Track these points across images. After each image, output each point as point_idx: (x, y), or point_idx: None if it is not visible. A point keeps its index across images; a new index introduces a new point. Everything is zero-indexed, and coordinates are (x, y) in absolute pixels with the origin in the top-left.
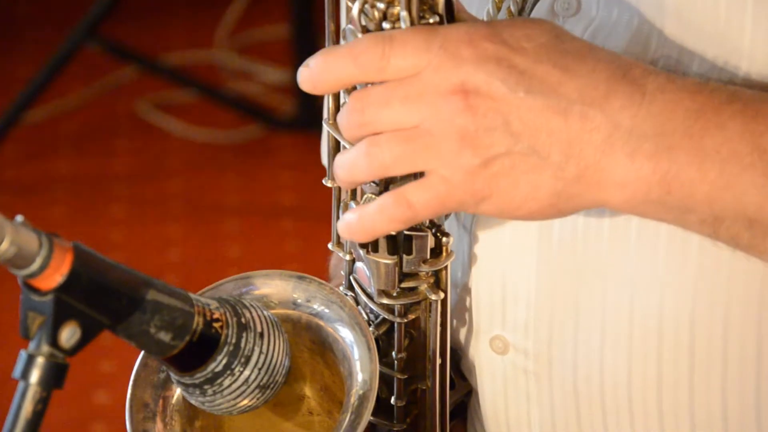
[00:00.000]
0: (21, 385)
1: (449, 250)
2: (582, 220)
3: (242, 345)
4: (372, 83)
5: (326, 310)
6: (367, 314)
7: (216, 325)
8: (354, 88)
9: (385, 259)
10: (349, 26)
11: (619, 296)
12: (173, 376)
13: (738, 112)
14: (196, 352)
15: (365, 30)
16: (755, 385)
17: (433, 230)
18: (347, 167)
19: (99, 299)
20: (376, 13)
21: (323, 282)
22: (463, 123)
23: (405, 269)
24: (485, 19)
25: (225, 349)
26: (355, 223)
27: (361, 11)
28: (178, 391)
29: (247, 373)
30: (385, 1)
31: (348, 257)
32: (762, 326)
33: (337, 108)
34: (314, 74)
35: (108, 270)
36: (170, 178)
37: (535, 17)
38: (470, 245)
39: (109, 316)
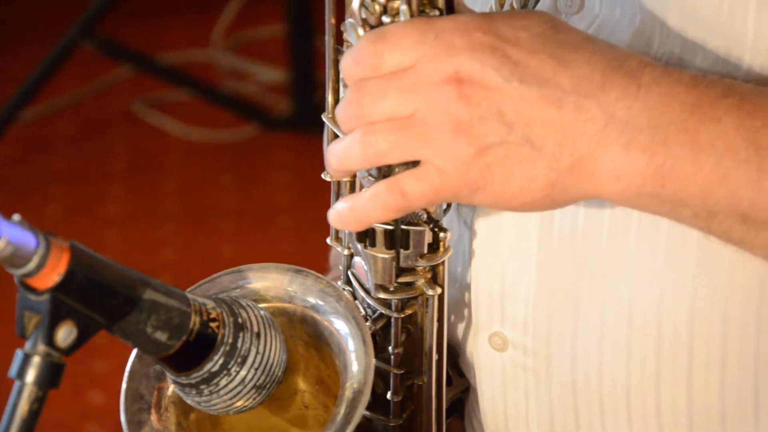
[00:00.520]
0: (17, 384)
1: (447, 246)
2: (582, 216)
3: (239, 345)
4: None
5: (322, 304)
6: (364, 309)
7: (213, 324)
8: None
9: (383, 254)
10: (350, 20)
11: (619, 293)
12: (169, 376)
13: (734, 107)
14: (192, 351)
15: (365, 23)
16: (753, 382)
17: (431, 225)
18: (340, 155)
19: (95, 299)
20: (377, 7)
21: (320, 275)
22: (457, 112)
23: (402, 264)
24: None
25: (222, 349)
26: (346, 211)
27: (362, 5)
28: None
29: (243, 373)
30: None
31: (346, 252)
32: (761, 324)
33: (337, 102)
34: (342, 74)
35: (105, 269)
36: (166, 178)
37: (531, 10)
38: (470, 241)
39: (105, 316)
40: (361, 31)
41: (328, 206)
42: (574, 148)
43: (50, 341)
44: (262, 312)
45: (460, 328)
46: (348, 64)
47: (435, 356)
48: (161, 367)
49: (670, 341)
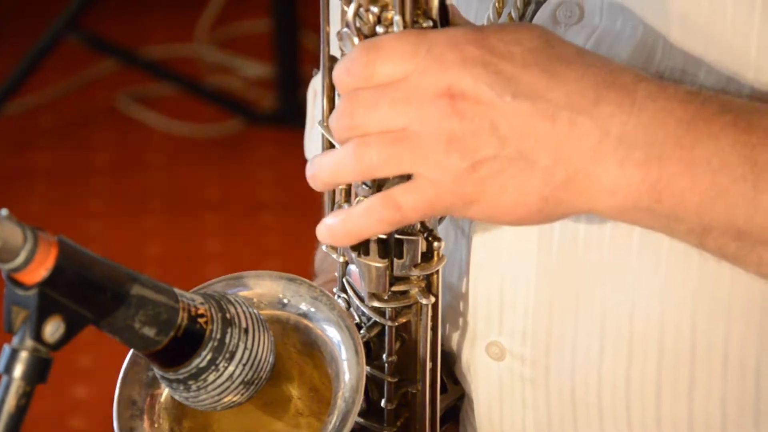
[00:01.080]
0: (4, 379)
1: (441, 255)
2: (583, 226)
3: (227, 341)
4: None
5: (315, 312)
6: (359, 317)
7: (201, 320)
8: None
9: (376, 263)
10: (345, 30)
11: (619, 304)
12: (157, 372)
13: (730, 124)
14: (180, 347)
15: (360, 33)
16: (755, 394)
17: (425, 234)
18: (332, 167)
19: (83, 294)
20: (371, 17)
21: (313, 284)
22: (450, 126)
23: (396, 273)
24: (485, 24)
25: (209, 345)
26: (338, 226)
27: (356, 15)
28: (166, 390)
29: (231, 368)
30: (379, 5)
31: (341, 259)
32: (762, 338)
33: (332, 110)
34: (335, 85)
35: (93, 264)
36: (150, 172)
37: (525, 23)
38: (468, 250)
39: (93, 311)
40: (356, 41)
41: (312, 201)
42: (569, 163)
43: (38, 336)
44: (251, 308)
45: (458, 336)
46: (340, 74)
47: (429, 364)
48: (149, 362)
49: (672, 352)
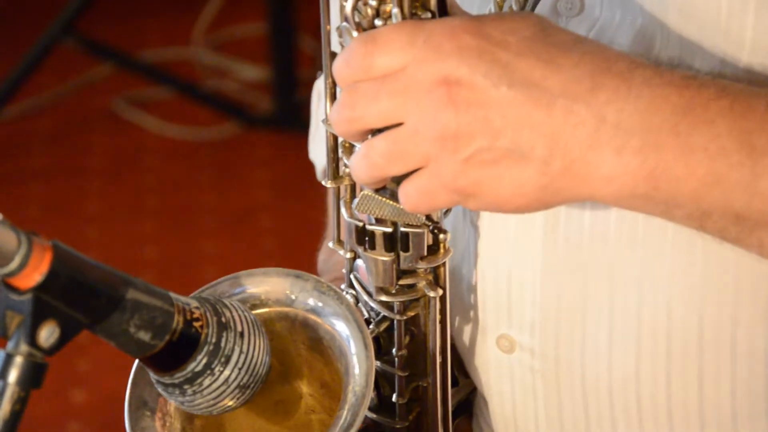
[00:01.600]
0: None
1: (447, 247)
2: (588, 218)
3: (222, 344)
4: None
5: (323, 308)
6: (367, 312)
7: (196, 324)
8: None
9: (382, 257)
10: (344, 24)
11: (627, 295)
12: (152, 376)
13: (727, 109)
14: (175, 351)
15: (359, 27)
16: (765, 382)
17: (431, 227)
18: (353, 169)
19: (78, 298)
20: (369, 11)
21: (320, 279)
22: (446, 119)
23: (403, 266)
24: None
25: (205, 349)
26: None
27: (354, 8)
28: None
29: (227, 372)
30: None
31: (349, 255)
32: None
33: None
34: (336, 79)
35: (87, 269)
36: (146, 175)
37: (523, 11)
38: (476, 242)
39: (88, 315)
40: (355, 34)
41: (308, 204)
42: (565, 151)
43: (33, 341)
44: (246, 312)
45: (468, 329)
46: (340, 66)
47: (439, 358)
48: (144, 366)
49: (680, 343)
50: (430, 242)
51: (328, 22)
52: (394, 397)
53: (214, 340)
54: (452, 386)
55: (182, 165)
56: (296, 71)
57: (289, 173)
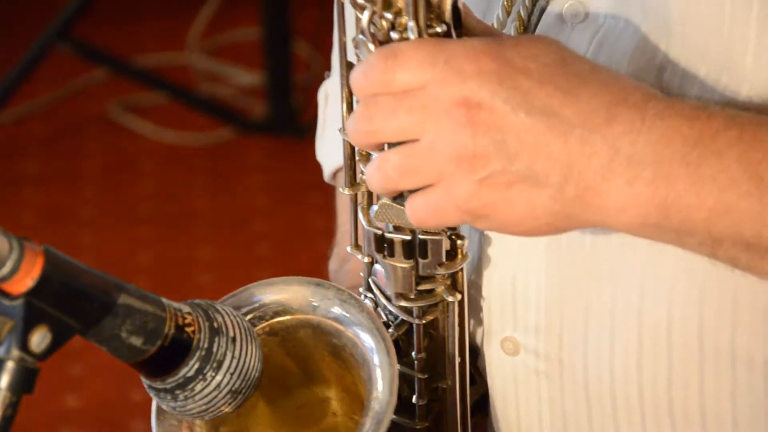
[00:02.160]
0: None
1: (464, 253)
2: None
3: (214, 350)
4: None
5: (344, 314)
6: (386, 315)
7: (188, 329)
8: None
9: (401, 264)
10: (361, 36)
11: (628, 299)
12: (144, 381)
13: (735, 139)
14: (167, 356)
15: (375, 39)
16: (764, 389)
17: (448, 233)
18: (368, 179)
19: (70, 303)
20: (384, 23)
21: (341, 287)
22: (463, 140)
23: (421, 272)
24: (495, 23)
25: (197, 354)
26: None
27: (370, 21)
28: None
29: (219, 378)
30: (393, 11)
31: (366, 260)
32: None
33: None
34: (352, 88)
35: (79, 274)
36: (141, 181)
37: (542, 35)
38: (481, 246)
39: (80, 321)
40: (371, 47)
41: (303, 209)
42: (579, 180)
43: (24, 346)
44: (239, 317)
45: (473, 332)
46: (358, 78)
47: (458, 359)
48: (136, 371)
49: (681, 347)
50: (448, 248)
51: (344, 32)
52: (413, 399)
53: (206, 346)
54: (470, 384)
55: (177, 170)
56: (291, 77)
57: (284, 178)
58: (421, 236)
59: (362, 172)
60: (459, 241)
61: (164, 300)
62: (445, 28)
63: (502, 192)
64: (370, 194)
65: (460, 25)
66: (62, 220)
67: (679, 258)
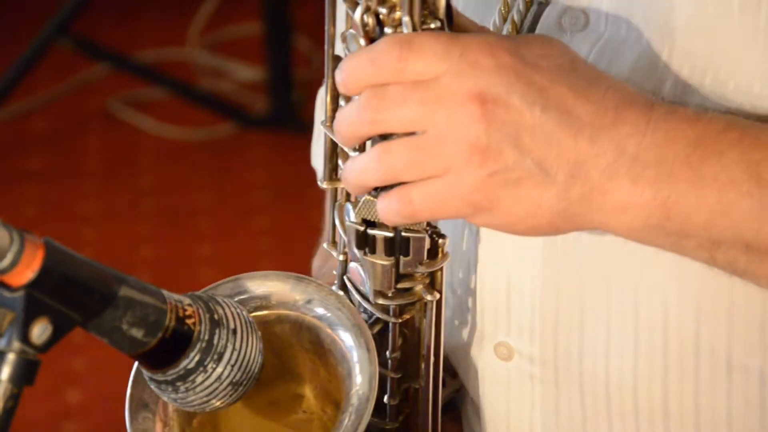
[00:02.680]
0: None
1: (445, 251)
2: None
3: (215, 341)
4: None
5: (325, 311)
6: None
7: (189, 321)
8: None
9: (383, 261)
10: (351, 31)
11: (624, 303)
12: (145, 373)
13: (735, 141)
14: (168, 348)
15: (367, 35)
16: (759, 390)
17: (429, 231)
18: (357, 172)
19: (71, 295)
20: (376, 19)
21: (321, 283)
22: (476, 133)
23: (402, 270)
24: (491, 29)
25: (198, 346)
26: (379, 207)
27: (363, 16)
28: None
29: (219, 369)
30: (387, 6)
31: (341, 257)
32: (765, 332)
33: (335, 112)
34: (343, 77)
35: (80, 266)
36: (142, 176)
37: (551, 37)
38: (476, 247)
39: (80, 313)
40: (362, 42)
41: (304, 204)
42: (585, 179)
43: (25, 338)
44: (239, 309)
45: (465, 335)
46: (362, 65)
47: (432, 359)
48: (137, 363)
49: (676, 352)
50: (428, 246)
51: (333, 24)
52: (385, 399)
53: (206, 337)
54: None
55: (178, 165)
56: (292, 72)
57: (285, 174)
58: (403, 233)
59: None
60: (440, 240)
61: (165, 292)
62: (438, 24)
63: (509, 188)
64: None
65: (452, 23)
66: (63, 215)
67: (674, 263)
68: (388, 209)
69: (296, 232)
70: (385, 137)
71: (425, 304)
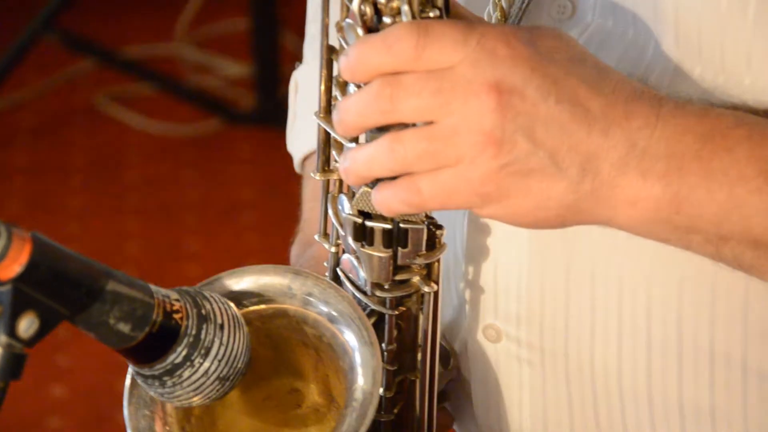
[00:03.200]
0: None
1: (442, 243)
2: None
3: (202, 336)
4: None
5: (325, 305)
6: None
7: (176, 316)
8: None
9: (381, 253)
10: (348, 20)
11: (608, 289)
12: (132, 368)
13: (744, 137)
14: (155, 343)
15: (365, 24)
16: (741, 383)
17: (426, 222)
18: (365, 161)
19: (58, 290)
20: (376, 7)
21: (320, 276)
22: (490, 124)
23: (399, 262)
24: (485, 18)
25: (185, 341)
26: (377, 197)
27: (361, 5)
28: None
29: (207, 364)
30: None
31: (333, 249)
32: (748, 322)
33: (329, 102)
34: (351, 63)
35: (67, 260)
36: (128, 172)
37: (558, 29)
38: (464, 234)
39: (68, 307)
40: (360, 32)
41: (291, 200)
42: (596, 173)
43: (12, 332)
44: (226, 305)
45: (454, 317)
46: (376, 51)
47: (429, 352)
48: (124, 358)
49: (659, 340)
50: (426, 238)
51: (327, 14)
52: (380, 391)
53: (194, 332)
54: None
55: (164, 161)
56: (279, 68)
57: (271, 170)
58: (402, 225)
59: (335, 160)
60: (438, 231)
61: (152, 287)
62: (437, 13)
63: (520, 179)
64: (341, 182)
65: (450, 12)
66: (50, 211)
67: (659, 253)
68: (394, 198)
69: (283, 227)
70: (387, 127)
71: (422, 295)
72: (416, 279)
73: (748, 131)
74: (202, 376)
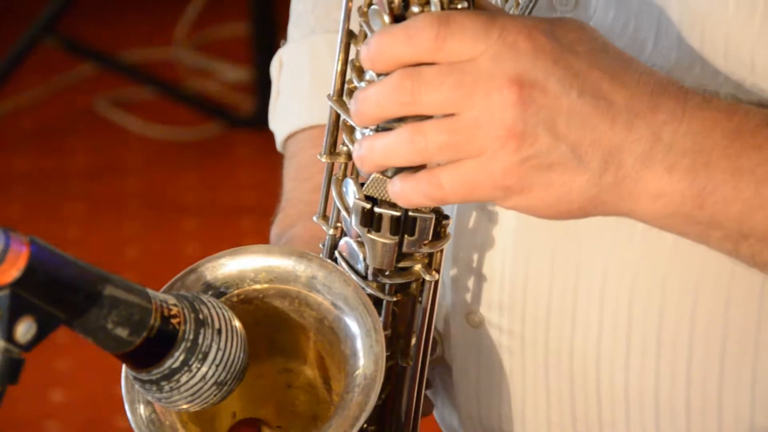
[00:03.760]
0: None
1: (447, 232)
2: None
3: (200, 341)
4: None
5: (329, 288)
6: None
7: (173, 321)
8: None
9: (387, 239)
10: (374, 7)
11: (592, 281)
12: (129, 373)
13: None
14: (153, 348)
15: (392, 12)
16: (717, 380)
17: (434, 212)
18: (383, 150)
19: (56, 294)
20: None
21: (325, 259)
22: (512, 117)
23: (404, 250)
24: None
25: (182, 346)
26: (397, 189)
27: None
28: None
29: (204, 369)
30: None
31: (331, 231)
32: (728, 319)
33: (343, 86)
34: (371, 53)
35: (65, 265)
36: (128, 176)
37: (580, 20)
38: (452, 220)
39: (65, 312)
40: (386, 18)
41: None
42: (619, 166)
43: (9, 336)
44: (223, 309)
45: (438, 304)
46: (397, 42)
47: (423, 339)
48: (122, 363)
49: (639, 334)
50: (432, 227)
51: None
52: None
53: (191, 337)
54: None
55: (164, 165)
56: None
57: (271, 174)
58: (411, 213)
59: (343, 144)
60: (444, 221)
61: (150, 291)
62: (465, 4)
63: (542, 173)
64: (346, 166)
65: (475, 2)
66: (49, 215)
67: (645, 245)
68: (415, 192)
69: None
70: (402, 117)
71: (422, 283)
72: (418, 267)
73: None
74: (200, 380)
